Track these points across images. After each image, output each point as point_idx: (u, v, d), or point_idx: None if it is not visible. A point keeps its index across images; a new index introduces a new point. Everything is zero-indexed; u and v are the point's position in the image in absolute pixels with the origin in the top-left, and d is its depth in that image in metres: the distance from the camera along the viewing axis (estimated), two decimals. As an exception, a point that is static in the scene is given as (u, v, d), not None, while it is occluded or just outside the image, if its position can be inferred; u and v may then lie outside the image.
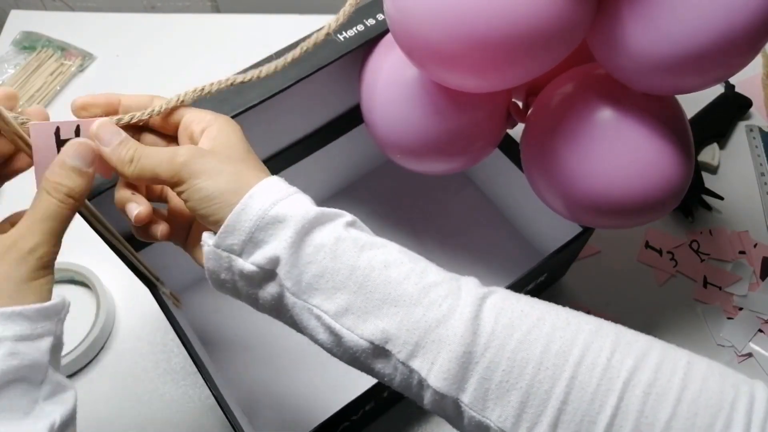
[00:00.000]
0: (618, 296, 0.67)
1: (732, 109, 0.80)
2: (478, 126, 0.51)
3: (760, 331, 0.64)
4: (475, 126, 0.51)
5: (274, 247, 0.35)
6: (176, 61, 0.87)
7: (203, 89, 0.40)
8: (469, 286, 0.35)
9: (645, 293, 0.68)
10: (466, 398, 0.33)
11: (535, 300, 0.35)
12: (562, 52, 0.41)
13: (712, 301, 0.67)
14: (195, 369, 0.63)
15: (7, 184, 0.39)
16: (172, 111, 0.40)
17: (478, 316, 0.33)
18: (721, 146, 0.78)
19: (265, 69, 0.41)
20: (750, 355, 0.63)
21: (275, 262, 0.35)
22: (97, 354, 0.64)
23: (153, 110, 0.39)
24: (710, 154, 0.76)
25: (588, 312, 0.35)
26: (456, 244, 0.70)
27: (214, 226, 0.36)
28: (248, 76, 0.41)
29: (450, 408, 0.34)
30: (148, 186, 0.42)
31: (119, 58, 0.88)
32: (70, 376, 0.63)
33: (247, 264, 0.35)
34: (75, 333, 0.63)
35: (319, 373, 0.62)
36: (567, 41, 0.40)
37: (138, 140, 0.39)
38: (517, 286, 0.55)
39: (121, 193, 0.39)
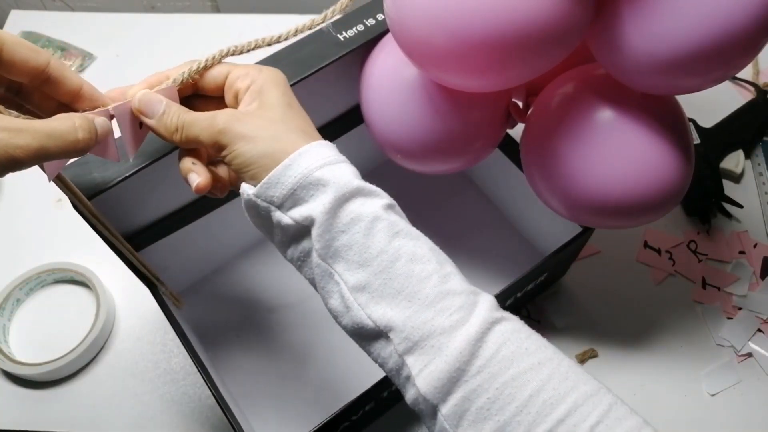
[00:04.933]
0: (618, 296, 0.67)
1: (761, 116, 0.76)
2: (478, 126, 0.51)
3: (760, 330, 0.65)
4: (474, 126, 0.51)
5: (312, 207, 0.36)
6: (176, 61, 0.85)
7: (200, 63, 0.42)
8: (484, 306, 0.35)
9: (645, 293, 0.68)
10: (444, 409, 0.33)
11: (544, 343, 0.35)
12: (562, 52, 0.41)
13: (711, 301, 0.67)
14: (195, 369, 0.63)
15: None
16: (213, 72, 0.42)
17: (482, 338, 0.34)
18: (747, 155, 0.75)
19: (254, 42, 0.43)
20: (749, 354, 0.63)
21: (310, 221, 0.36)
22: (97, 354, 0.64)
23: (183, 73, 0.41)
24: (734, 161, 0.73)
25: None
26: (456, 244, 0.69)
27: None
28: (239, 49, 0.43)
29: (427, 411, 0.34)
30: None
31: (119, 58, 0.88)
32: (71, 377, 0.63)
33: (285, 217, 0.37)
34: (75, 333, 0.63)
35: (319, 373, 0.62)
36: (566, 41, 0.40)
37: (192, 108, 0.40)
38: (517, 286, 0.55)
39: (183, 163, 0.40)
